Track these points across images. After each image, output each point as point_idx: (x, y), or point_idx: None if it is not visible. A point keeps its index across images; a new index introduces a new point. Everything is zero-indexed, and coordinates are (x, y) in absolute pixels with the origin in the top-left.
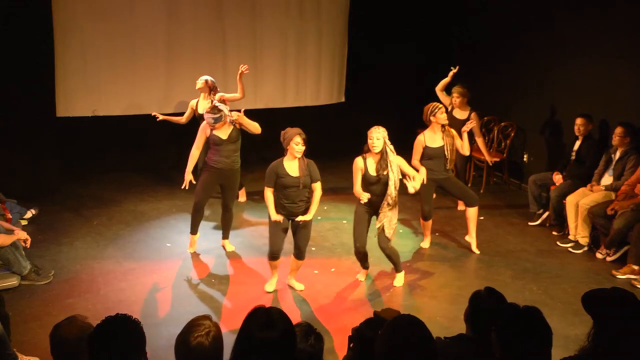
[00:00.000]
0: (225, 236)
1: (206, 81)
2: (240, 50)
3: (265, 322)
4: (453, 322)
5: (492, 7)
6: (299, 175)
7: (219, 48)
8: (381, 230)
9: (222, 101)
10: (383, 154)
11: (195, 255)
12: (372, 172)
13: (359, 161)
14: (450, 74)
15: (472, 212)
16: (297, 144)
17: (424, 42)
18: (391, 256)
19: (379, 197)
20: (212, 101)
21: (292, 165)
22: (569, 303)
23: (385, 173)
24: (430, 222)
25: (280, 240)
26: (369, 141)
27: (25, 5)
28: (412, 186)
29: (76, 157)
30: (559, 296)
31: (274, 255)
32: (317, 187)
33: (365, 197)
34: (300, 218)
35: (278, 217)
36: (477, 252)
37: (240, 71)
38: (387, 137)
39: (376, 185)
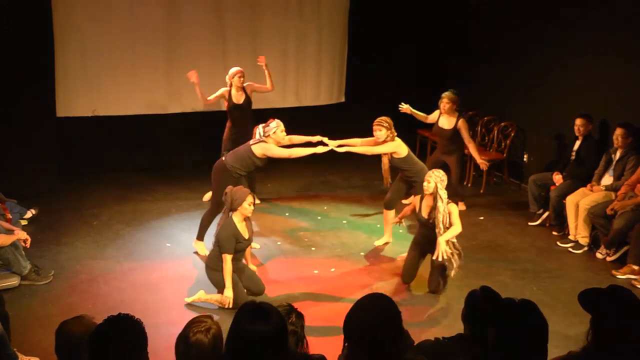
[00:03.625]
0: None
1: (242, 74)
2: (240, 50)
3: (256, 314)
4: (453, 322)
5: (492, 6)
6: (249, 237)
7: (219, 48)
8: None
9: (251, 90)
10: (435, 198)
11: (195, 255)
12: (424, 214)
13: (417, 198)
14: (407, 110)
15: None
16: (250, 204)
17: (424, 42)
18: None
19: (429, 240)
20: (243, 88)
21: (243, 227)
22: (569, 303)
23: (434, 218)
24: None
25: (244, 292)
26: (424, 183)
27: (25, 5)
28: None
29: (76, 157)
30: (559, 296)
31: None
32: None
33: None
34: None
35: (229, 296)
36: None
37: (263, 63)
38: (440, 182)
39: (425, 228)
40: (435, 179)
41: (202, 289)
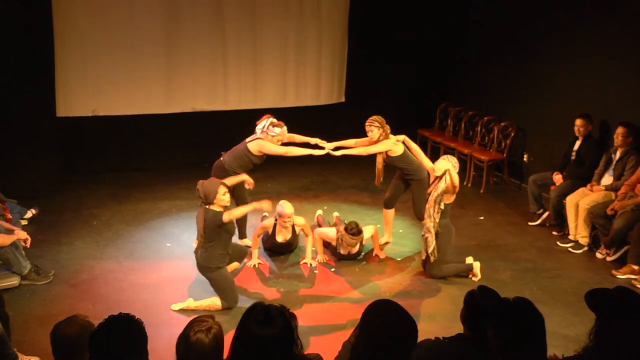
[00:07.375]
0: (245, 235)
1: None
2: (240, 50)
3: (263, 318)
4: (453, 322)
5: (493, 6)
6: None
7: (219, 48)
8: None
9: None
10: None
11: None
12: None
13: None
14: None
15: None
16: (224, 194)
17: (424, 42)
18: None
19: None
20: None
21: None
22: (569, 303)
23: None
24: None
25: (237, 294)
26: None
27: (25, 5)
28: None
29: (76, 157)
30: (559, 296)
31: None
32: None
33: None
34: None
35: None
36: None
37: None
38: (451, 169)
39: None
40: (443, 162)
41: (202, 288)
